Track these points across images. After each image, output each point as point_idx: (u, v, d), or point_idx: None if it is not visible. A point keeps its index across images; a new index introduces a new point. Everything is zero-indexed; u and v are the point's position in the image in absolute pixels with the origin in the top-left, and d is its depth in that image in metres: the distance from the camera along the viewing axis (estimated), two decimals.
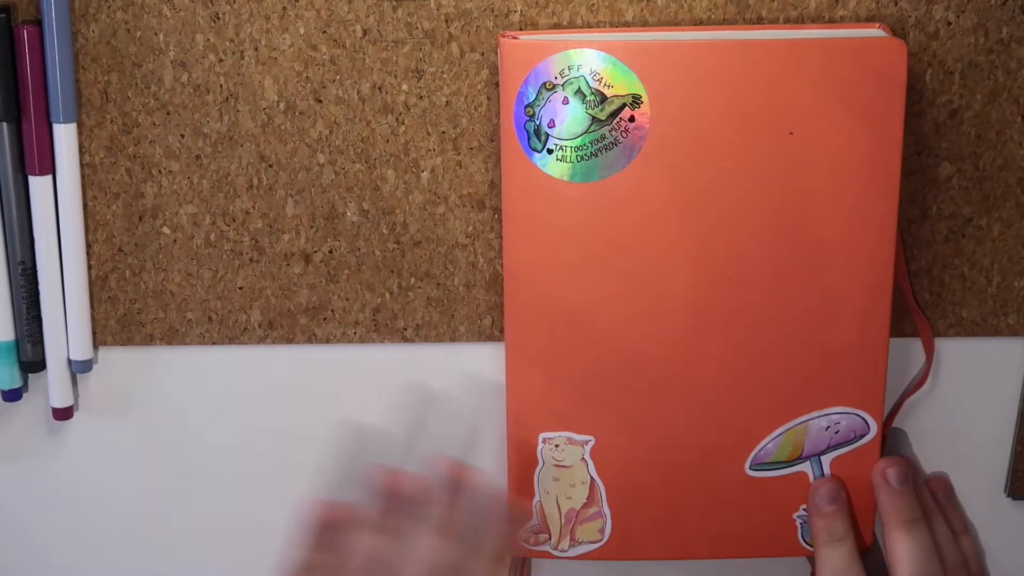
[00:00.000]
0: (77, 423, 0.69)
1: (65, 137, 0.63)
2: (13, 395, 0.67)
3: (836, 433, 0.64)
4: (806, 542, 0.66)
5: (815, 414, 0.64)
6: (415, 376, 0.68)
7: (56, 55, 0.61)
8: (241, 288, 0.66)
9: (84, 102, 0.63)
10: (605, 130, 0.60)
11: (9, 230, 0.64)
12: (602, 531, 0.66)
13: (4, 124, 0.62)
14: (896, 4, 0.62)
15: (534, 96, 0.60)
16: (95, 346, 0.67)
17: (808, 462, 0.65)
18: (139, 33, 0.62)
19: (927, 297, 0.67)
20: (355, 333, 0.67)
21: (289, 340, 0.67)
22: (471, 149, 0.64)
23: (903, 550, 0.62)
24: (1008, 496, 0.70)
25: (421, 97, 0.63)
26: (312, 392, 0.69)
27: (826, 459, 0.65)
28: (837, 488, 0.64)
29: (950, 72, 0.63)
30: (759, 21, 0.62)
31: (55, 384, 0.67)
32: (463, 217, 0.65)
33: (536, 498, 0.66)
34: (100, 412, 0.69)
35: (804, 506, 0.65)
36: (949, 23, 0.62)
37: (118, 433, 0.69)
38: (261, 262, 0.66)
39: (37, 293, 0.65)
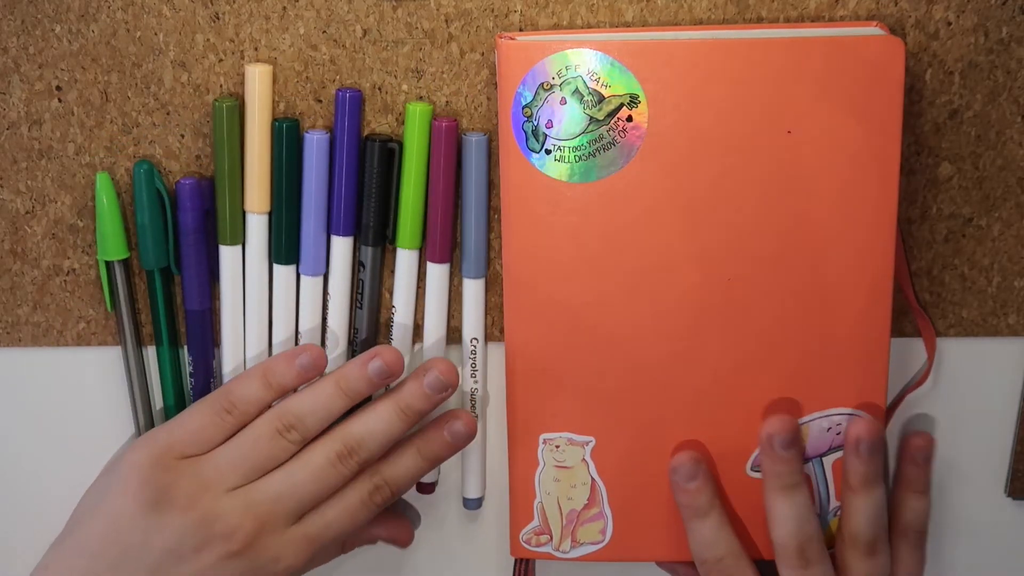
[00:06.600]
0: None
1: None
2: None
3: (838, 435, 0.64)
4: None
5: (816, 415, 0.64)
6: None
7: None
8: None
9: (84, 102, 0.63)
10: (603, 130, 0.60)
11: None
12: (603, 532, 0.66)
13: None
14: (896, 4, 0.62)
15: (532, 97, 0.60)
16: None
17: (809, 463, 0.65)
18: (139, 33, 0.62)
19: (927, 297, 0.67)
20: None
21: None
22: None
23: (778, 513, 0.63)
24: (1008, 496, 0.70)
25: (421, 97, 0.63)
26: None
27: (827, 460, 0.65)
28: (696, 462, 0.63)
29: (950, 72, 0.63)
30: (759, 21, 0.62)
31: None
32: None
33: (537, 499, 0.66)
34: None
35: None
36: (949, 23, 0.62)
37: None
38: None
39: None
